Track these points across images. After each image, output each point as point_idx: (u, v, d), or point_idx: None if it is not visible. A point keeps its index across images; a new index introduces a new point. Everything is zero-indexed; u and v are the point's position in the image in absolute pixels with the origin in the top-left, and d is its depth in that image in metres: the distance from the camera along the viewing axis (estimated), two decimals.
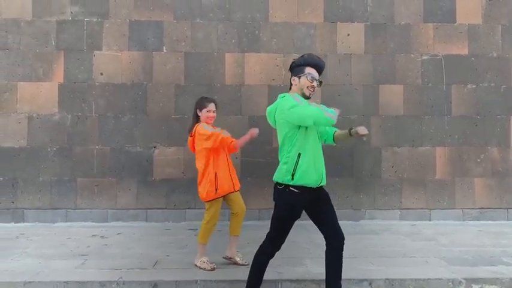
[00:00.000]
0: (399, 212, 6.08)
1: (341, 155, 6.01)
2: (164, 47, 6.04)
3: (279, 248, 3.02)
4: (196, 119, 4.02)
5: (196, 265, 3.89)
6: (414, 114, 6.14)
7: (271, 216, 3.03)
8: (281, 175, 2.92)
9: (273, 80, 6.03)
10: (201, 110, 3.98)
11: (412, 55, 6.18)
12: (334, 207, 3.04)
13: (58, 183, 5.89)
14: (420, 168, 6.12)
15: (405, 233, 5.36)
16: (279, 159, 2.98)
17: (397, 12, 6.19)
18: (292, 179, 2.85)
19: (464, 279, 3.63)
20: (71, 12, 6.00)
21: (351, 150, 6.05)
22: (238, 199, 4.08)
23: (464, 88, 6.19)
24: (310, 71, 2.91)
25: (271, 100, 5.98)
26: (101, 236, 5.13)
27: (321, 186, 2.99)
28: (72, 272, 3.74)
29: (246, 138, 3.86)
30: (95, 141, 5.93)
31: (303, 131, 2.86)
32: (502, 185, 6.13)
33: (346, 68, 6.13)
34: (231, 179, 3.99)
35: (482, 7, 6.22)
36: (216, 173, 3.87)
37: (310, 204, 2.97)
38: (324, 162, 3.01)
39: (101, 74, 5.99)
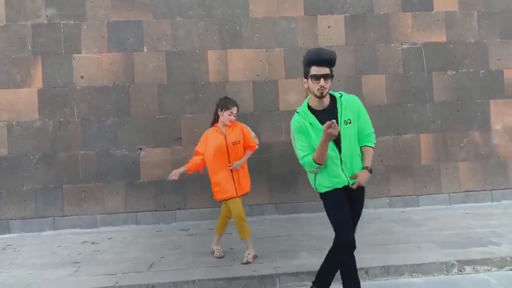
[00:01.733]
0: (388, 200, 6.16)
1: None
2: (145, 47, 5.95)
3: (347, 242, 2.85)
4: (215, 118, 4.16)
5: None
6: (397, 103, 6.23)
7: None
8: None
9: (257, 75, 6.01)
10: (222, 111, 4.05)
11: (392, 44, 6.25)
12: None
13: (43, 191, 5.75)
14: (406, 155, 6.21)
15: (396, 220, 5.44)
16: None
17: (376, 3, 6.24)
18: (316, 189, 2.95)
19: (457, 261, 3.71)
20: (47, 16, 5.84)
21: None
22: (232, 206, 4.08)
23: (445, 75, 6.30)
24: (314, 71, 2.67)
25: (256, 96, 5.98)
26: (92, 242, 5.04)
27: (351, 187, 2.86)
28: (65, 281, 3.67)
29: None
30: (79, 146, 5.81)
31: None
32: (485, 168, 6.28)
33: None
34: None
35: None
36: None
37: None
38: (349, 164, 2.82)
39: (82, 77, 5.86)
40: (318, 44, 6.13)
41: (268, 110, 6.02)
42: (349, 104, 2.80)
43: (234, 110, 4.04)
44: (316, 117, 2.76)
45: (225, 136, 4.04)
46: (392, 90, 6.23)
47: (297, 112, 2.84)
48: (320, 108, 2.78)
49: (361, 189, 2.91)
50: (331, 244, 2.89)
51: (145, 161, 5.87)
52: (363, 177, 2.81)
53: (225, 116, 4.02)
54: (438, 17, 6.30)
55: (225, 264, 3.95)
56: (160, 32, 5.98)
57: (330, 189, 2.84)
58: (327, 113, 2.72)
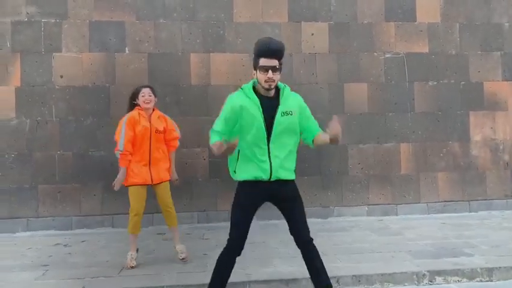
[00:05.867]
0: (366, 208, 6.18)
1: (308, 153, 6.03)
2: (127, 48, 5.90)
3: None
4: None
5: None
6: (378, 112, 6.26)
7: None
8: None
9: (240, 80, 5.97)
10: (137, 99, 4.10)
11: (375, 53, 6.29)
12: (304, 206, 2.90)
13: (18, 191, 5.64)
14: (386, 164, 6.24)
15: (373, 228, 5.45)
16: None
17: (360, 12, 6.29)
18: (235, 172, 2.83)
19: (428, 271, 3.72)
20: (27, 13, 5.76)
21: (317, 148, 6.09)
22: (159, 193, 4.11)
23: (426, 85, 6.35)
24: (263, 62, 2.64)
25: None
26: (65, 245, 4.95)
27: (280, 183, 2.78)
28: (31, 284, 3.59)
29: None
30: (56, 146, 5.72)
31: (239, 129, 2.74)
32: (463, 179, 6.34)
33: (311, 67, 6.17)
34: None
35: (441, 6, 6.41)
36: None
37: (274, 202, 2.87)
38: (282, 156, 2.76)
39: (61, 76, 5.78)
40: (301, 51, 6.17)
41: None
42: (292, 98, 2.81)
43: (146, 90, 4.08)
44: (259, 100, 2.72)
45: (150, 122, 4.03)
46: (374, 99, 6.26)
47: (242, 88, 2.78)
48: (264, 95, 2.75)
49: (290, 189, 2.82)
50: None
51: None
52: (336, 125, 2.64)
53: (140, 100, 4.04)
54: (421, 28, 6.37)
55: (197, 270, 3.90)
56: (143, 33, 5.93)
57: (251, 178, 2.72)
58: (268, 102, 2.72)
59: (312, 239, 2.83)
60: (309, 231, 2.82)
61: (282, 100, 2.77)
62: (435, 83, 6.37)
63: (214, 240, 4.93)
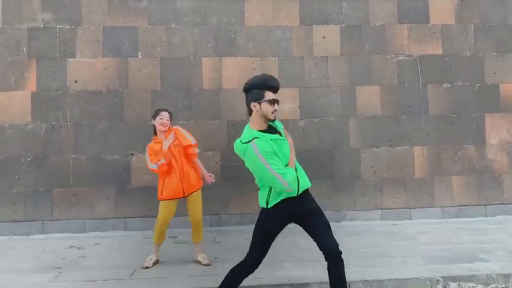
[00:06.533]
0: (380, 212, 6.11)
1: (321, 157, 6.02)
2: (139, 53, 5.97)
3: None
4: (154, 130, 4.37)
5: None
6: (391, 115, 6.19)
7: (253, 220, 3.05)
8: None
9: None
10: (154, 120, 4.27)
11: (387, 56, 6.23)
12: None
13: (33, 194, 5.74)
14: (399, 168, 6.16)
15: (386, 232, 5.38)
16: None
17: (372, 14, 6.24)
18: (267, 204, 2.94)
19: (442, 277, 3.65)
20: (43, 19, 5.88)
21: (330, 152, 6.06)
22: (191, 207, 4.27)
23: (440, 87, 6.26)
24: (270, 95, 2.83)
25: None
26: (78, 247, 5.01)
27: (303, 196, 2.91)
28: (44, 286, 3.64)
29: None
30: (71, 150, 5.81)
31: None
32: (479, 182, 6.22)
33: (323, 70, 6.14)
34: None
35: (455, 7, 6.33)
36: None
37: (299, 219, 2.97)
38: (298, 169, 2.96)
39: (75, 81, 5.87)
40: (313, 54, 6.14)
41: None
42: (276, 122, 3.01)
43: (164, 114, 4.20)
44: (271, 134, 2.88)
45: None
46: (386, 101, 6.20)
47: (257, 137, 2.79)
48: (265, 129, 2.89)
49: (311, 199, 2.98)
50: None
51: (136, 166, 5.85)
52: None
53: (157, 122, 4.19)
54: (434, 30, 6.29)
55: (208, 273, 3.90)
56: (155, 38, 5.99)
57: (282, 198, 2.83)
58: (269, 131, 2.88)
59: (341, 252, 2.86)
60: (338, 244, 2.87)
61: (275, 125, 2.98)
62: (449, 85, 6.27)
63: (225, 244, 4.94)
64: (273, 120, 2.90)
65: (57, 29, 5.89)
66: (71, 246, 5.06)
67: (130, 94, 5.92)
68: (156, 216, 5.78)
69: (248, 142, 2.77)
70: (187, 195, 4.22)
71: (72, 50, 5.90)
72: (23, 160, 5.76)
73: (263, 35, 6.09)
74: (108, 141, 5.85)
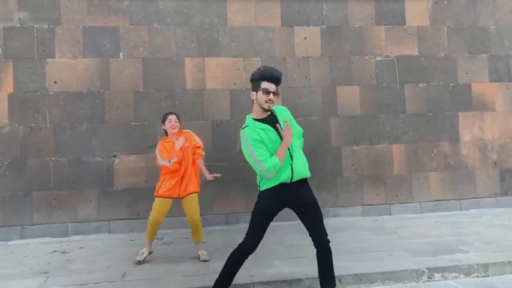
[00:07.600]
0: (361, 208, 6.28)
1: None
2: (121, 53, 5.90)
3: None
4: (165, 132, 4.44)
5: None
6: (371, 114, 6.38)
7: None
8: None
9: (235, 83, 6.04)
10: (164, 124, 4.36)
11: (366, 57, 6.41)
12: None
13: (12, 198, 5.58)
14: (378, 165, 6.36)
15: (368, 228, 5.54)
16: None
17: (351, 16, 6.41)
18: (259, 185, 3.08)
19: (427, 268, 3.81)
20: (19, 19, 5.72)
21: (312, 151, 6.17)
22: (187, 206, 4.35)
23: (416, 87, 6.50)
24: (265, 85, 2.95)
25: (233, 104, 6.00)
26: (62, 252, 4.91)
27: (299, 184, 3.01)
28: None
29: None
30: (51, 152, 5.68)
31: None
32: (454, 178, 6.50)
33: (305, 70, 6.26)
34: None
35: (429, 10, 6.58)
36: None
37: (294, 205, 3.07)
38: (298, 159, 3.03)
39: (55, 82, 5.74)
40: (294, 55, 6.25)
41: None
42: (280, 110, 3.11)
43: (172, 117, 4.31)
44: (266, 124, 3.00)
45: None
46: (366, 101, 6.38)
47: (247, 126, 2.99)
48: (264, 117, 3.03)
49: (308, 190, 3.05)
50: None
51: (119, 168, 5.78)
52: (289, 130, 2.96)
53: (167, 126, 4.30)
54: (410, 31, 6.52)
55: (200, 273, 3.92)
56: (137, 38, 5.94)
57: (275, 183, 2.93)
58: (267, 121, 3.00)
59: (329, 241, 3.02)
60: (327, 234, 3.03)
61: (277, 114, 3.07)
62: (425, 84, 6.52)
63: (213, 244, 4.96)
64: (268, 110, 2.99)
65: (35, 29, 5.74)
66: (55, 251, 4.95)
67: (112, 95, 5.85)
68: (140, 218, 5.78)
69: (242, 129, 2.99)
70: (182, 197, 4.30)
71: (50, 51, 5.77)
72: (0, 163, 5.58)
73: (246, 35, 6.14)
74: (90, 143, 5.76)
